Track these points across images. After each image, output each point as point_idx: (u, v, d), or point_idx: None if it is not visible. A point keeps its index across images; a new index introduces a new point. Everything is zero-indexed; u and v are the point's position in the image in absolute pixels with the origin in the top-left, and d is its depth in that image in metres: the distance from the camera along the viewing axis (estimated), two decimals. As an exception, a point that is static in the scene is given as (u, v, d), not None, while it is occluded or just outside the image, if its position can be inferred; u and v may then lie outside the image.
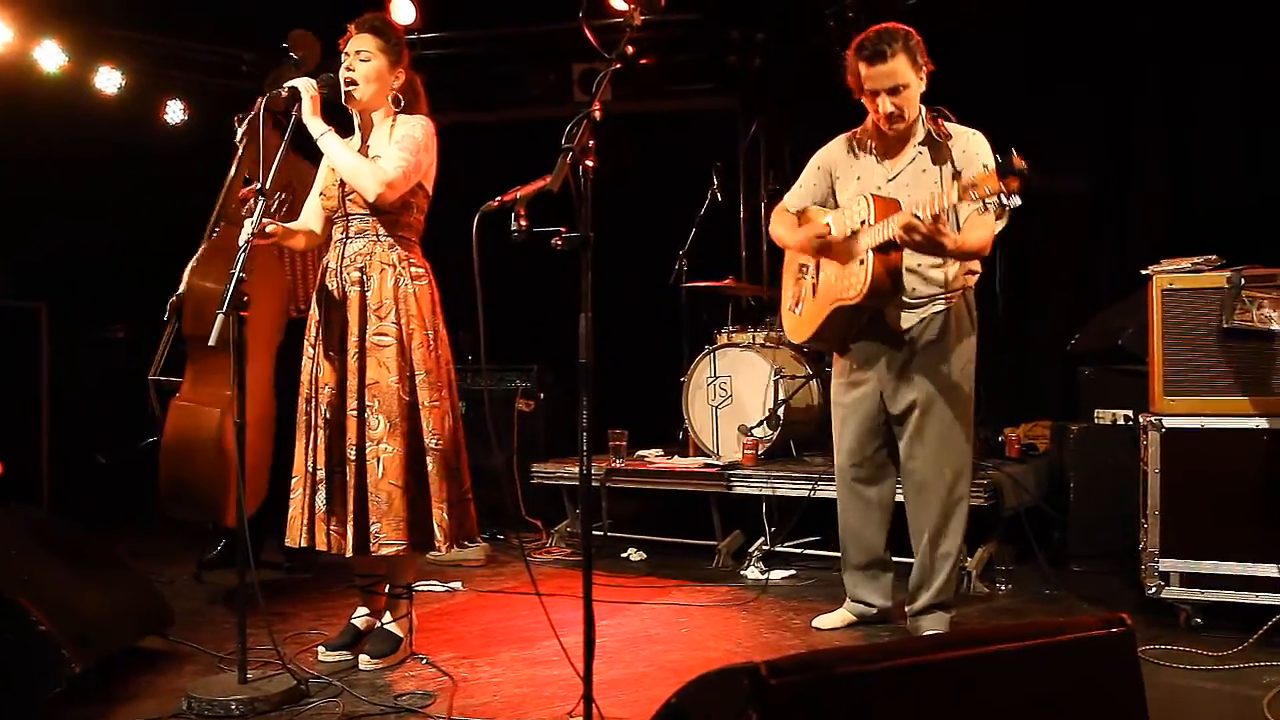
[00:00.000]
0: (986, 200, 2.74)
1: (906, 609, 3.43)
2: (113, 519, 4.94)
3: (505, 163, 4.42)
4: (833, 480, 3.62)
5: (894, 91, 3.12)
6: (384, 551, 3.04)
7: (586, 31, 2.48)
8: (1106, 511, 4.29)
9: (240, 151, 4.02)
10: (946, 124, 3.20)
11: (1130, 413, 4.31)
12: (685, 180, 5.61)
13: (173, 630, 3.39)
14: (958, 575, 3.44)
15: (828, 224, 3.28)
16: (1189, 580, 3.41)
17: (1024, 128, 5.34)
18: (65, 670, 2.69)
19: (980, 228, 3.08)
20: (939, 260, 3.19)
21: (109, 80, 5.80)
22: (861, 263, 3.13)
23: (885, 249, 3.08)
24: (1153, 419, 3.48)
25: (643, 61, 5.98)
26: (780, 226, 3.49)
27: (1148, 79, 5.33)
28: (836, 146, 3.42)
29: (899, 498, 3.49)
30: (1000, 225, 3.13)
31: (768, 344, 5.11)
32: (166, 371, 4.06)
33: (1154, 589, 3.45)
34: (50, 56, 5.55)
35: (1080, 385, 4.76)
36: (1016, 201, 2.65)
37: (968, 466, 3.36)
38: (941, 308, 3.25)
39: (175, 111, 6.15)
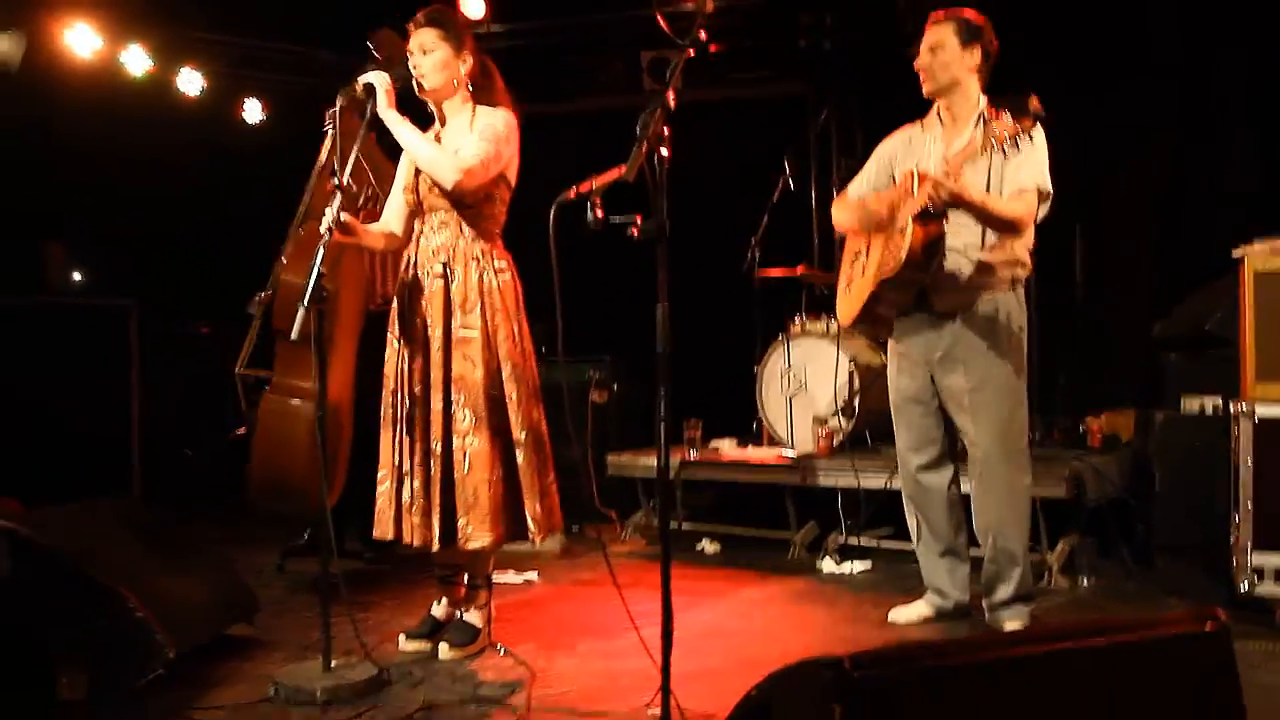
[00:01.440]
0: (1006, 145, 2.87)
1: (984, 603, 3.38)
2: (198, 509, 5.08)
3: (576, 152, 4.46)
4: (909, 470, 3.58)
5: (931, 50, 3.26)
6: (471, 545, 3.07)
7: (660, 19, 2.46)
8: (1194, 503, 4.14)
9: (325, 148, 4.08)
10: (1006, 114, 3.18)
11: (1219, 400, 4.16)
12: (756, 167, 5.56)
13: (258, 618, 3.47)
14: (1031, 565, 3.39)
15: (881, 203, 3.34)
16: (1284, 575, 3.30)
17: (1100, 109, 5.24)
18: (160, 655, 2.79)
19: (1018, 200, 3.12)
20: (990, 241, 3.20)
21: (191, 82, 5.96)
22: (902, 232, 3.14)
23: (924, 218, 3.10)
24: (1244, 407, 3.37)
25: (712, 48, 5.94)
26: (839, 210, 3.55)
27: (1229, 53, 5.14)
28: (898, 135, 3.47)
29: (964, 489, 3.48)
30: (1043, 211, 3.17)
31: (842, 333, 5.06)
32: (252, 366, 4.16)
33: (1246, 585, 3.34)
34: (136, 61, 5.72)
35: (1165, 372, 4.60)
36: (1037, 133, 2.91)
37: (1024, 454, 3.33)
38: (989, 296, 3.24)
39: (254, 111, 6.29)
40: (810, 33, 5.99)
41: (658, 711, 2.33)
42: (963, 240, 3.21)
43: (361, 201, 4.01)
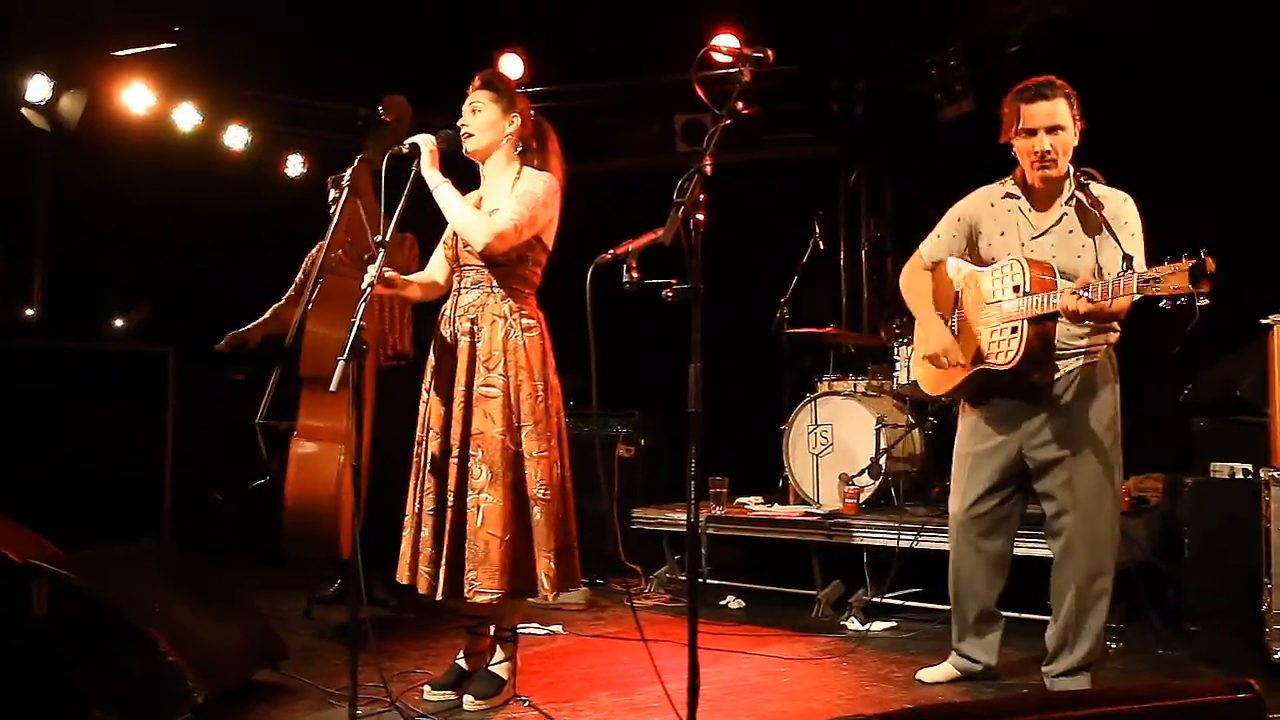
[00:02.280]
0: (1161, 298, 2.67)
1: (1044, 669, 3.32)
2: (227, 554, 5.13)
3: (609, 209, 4.56)
4: (935, 531, 3.57)
5: (1052, 131, 3.10)
6: (479, 599, 3.09)
7: (698, 89, 2.53)
8: (1224, 569, 4.09)
9: (340, 207, 4.22)
10: (1094, 186, 3.14)
11: (1249, 466, 4.14)
12: (786, 228, 5.65)
13: (285, 665, 3.49)
14: (1104, 636, 3.33)
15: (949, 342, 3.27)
16: (1317, 645, 3.26)
17: (1130, 169, 5.27)
18: (189, 701, 2.80)
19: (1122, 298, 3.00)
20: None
21: (237, 137, 6.16)
22: (1014, 330, 3.08)
23: (1041, 319, 3.04)
24: (1275, 473, 3.36)
25: (745, 112, 6.05)
26: (912, 287, 3.46)
27: (1264, 113, 5.18)
28: (980, 198, 3.35)
29: (1019, 551, 3.45)
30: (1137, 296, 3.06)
31: (869, 392, 5.09)
32: (272, 415, 4.23)
33: (1279, 653, 3.30)
34: (186, 117, 5.95)
35: (1195, 437, 4.59)
36: (1204, 302, 2.61)
37: (1117, 523, 3.25)
38: (1081, 363, 3.18)
39: (295, 165, 6.46)
40: (842, 97, 6.11)
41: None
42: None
43: (367, 258, 4.12)
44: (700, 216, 2.29)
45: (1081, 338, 3.16)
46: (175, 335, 5.68)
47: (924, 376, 3.49)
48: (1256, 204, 5.24)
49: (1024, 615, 3.89)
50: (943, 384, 3.38)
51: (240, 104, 6.22)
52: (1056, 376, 3.18)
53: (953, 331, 3.34)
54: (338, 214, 4.23)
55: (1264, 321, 3.46)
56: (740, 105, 2.44)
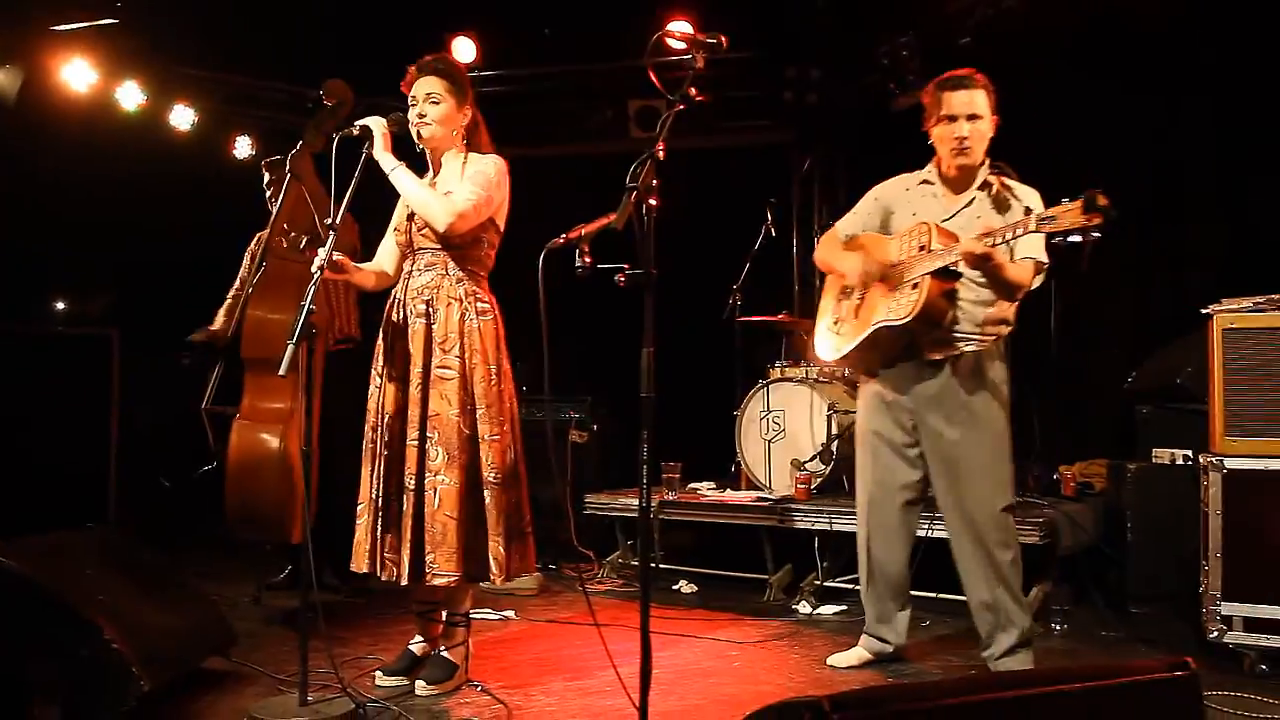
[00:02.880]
0: (1059, 234, 2.81)
1: (984, 654, 3.35)
2: (175, 540, 5.05)
3: (563, 194, 4.54)
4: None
5: (971, 119, 3.21)
6: (437, 581, 3.09)
7: (651, 75, 2.54)
8: (1166, 552, 4.22)
9: (282, 192, 4.17)
10: (1006, 179, 3.24)
11: (1190, 452, 4.25)
12: (739, 215, 5.66)
13: (234, 651, 3.45)
14: (1028, 607, 3.37)
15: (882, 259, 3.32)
16: (1253, 625, 3.36)
17: (1074, 158, 5.36)
18: (135, 688, 2.76)
19: (1019, 268, 3.13)
20: (985, 298, 3.20)
21: (183, 117, 6.03)
22: (915, 286, 3.14)
23: (943, 275, 3.11)
24: (1213, 459, 3.44)
25: (699, 98, 6.05)
26: (827, 251, 3.54)
27: (1202, 108, 5.28)
28: (896, 182, 3.47)
29: (921, 532, 3.51)
30: (1037, 282, 3.18)
31: (821, 379, 5.13)
32: (218, 401, 4.18)
33: (1216, 633, 3.40)
34: (130, 96, 5.79)
35: (1138, 424, 4.70)
36: (1096, 235, 2.83)
37: (1010, 500, 3.30)
38: (974, 348, 3.25)
39: (243, 146, 6.34)
40: (795, 85, 6.12)
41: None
42: (962, 296, 3.21)
43: (304, 244, 4.08)
44: (653, 202, 2.29)
45: (977, 326, 3.23)
46: (120, 318, 5.58)
47: (825, 343, 3.53)
48: (1197, 194, 5.35)
49: (946, 596, 3.96)
50: (839, 346, 3.42)
51: (186, 83, 6.08)
52: (944, 357, 3.25)
53: (858, 300, 3.40)
54: (280, 199, 4.19)
55: (1204, 311, 3.54)
56: (694, 91, 2.44)
